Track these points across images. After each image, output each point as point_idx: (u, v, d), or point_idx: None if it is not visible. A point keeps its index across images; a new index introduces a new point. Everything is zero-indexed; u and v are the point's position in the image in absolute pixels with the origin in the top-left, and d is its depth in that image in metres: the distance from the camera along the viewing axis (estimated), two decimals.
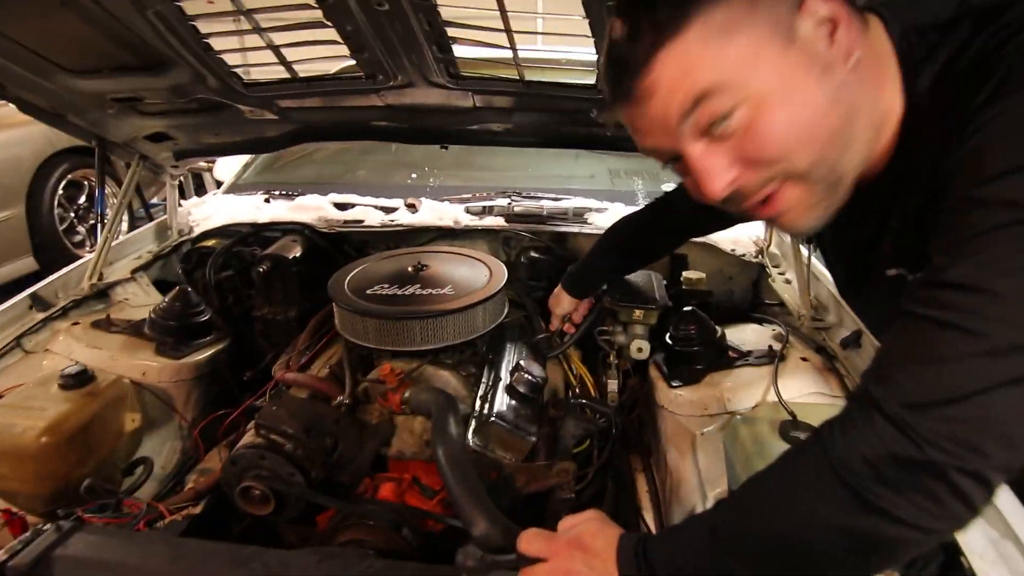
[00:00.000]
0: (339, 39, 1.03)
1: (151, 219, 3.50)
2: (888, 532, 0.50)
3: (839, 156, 0.58)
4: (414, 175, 1.99)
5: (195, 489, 1.11)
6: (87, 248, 3.79)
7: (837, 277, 0.87)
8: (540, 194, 1.78)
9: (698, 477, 1.09)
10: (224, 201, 1.95)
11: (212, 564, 0.74)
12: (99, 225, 1.56)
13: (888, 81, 0.59)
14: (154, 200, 4.24)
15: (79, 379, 1.10)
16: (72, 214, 3.72)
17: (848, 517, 0.50)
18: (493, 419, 1.14)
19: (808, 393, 1.10)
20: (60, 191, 3.56)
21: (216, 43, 1.10)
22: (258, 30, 1.02)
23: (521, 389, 1.23)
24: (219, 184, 2.18)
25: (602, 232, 1.58)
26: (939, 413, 0.47)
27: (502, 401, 1.20)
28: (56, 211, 3.51)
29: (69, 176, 3.63)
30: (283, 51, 1.14)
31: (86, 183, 3.82)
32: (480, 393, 1.24)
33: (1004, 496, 0.79)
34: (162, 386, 1.29)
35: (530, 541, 0.68)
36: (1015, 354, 0.46)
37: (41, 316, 1.35)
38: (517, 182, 1.88)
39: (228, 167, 2.29)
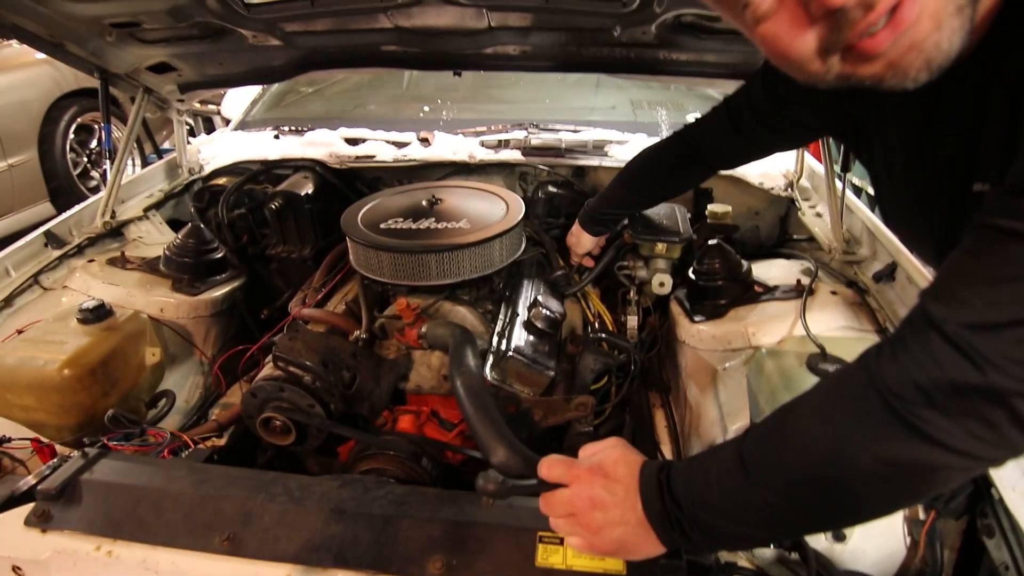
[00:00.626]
0: None
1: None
2: (936, 460, 0.47)
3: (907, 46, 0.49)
4: (426, 108, 1.91)
5: (218, 421, 1.13)
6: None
7: (900, 201, 0.76)
8: (558, 126, 1.70)
9: (719, 411, 1.08)
10: (233, 138, 1.90)
11: (234, 488, 0.75)
12: (107, 161, 1.53)
13: None
14: (166, 145, 4.20)
15: (97, 313, 1.10)
16: (85, 159, 3.70)
17: (893, 445, 0.48)
18: (511, 353, 1.12)
19: (838, 327, 1.07)
20: (71, 135, 3.52)
21: None
22: None
23: (539, 324, 1.21)
24: (228, 123, 2.13)
25: (622, 165, 1.52)
26: (1010, 335, 0.43)
27: (520, 336, 1.19)
28: (69, 156, 3.48)
29: (79, 120, 3.58)
30: None
31: (96, 127, 3.77)
32: (497, 329, 1.22)
33: None
34: (180, 322, 1.29)
35: (551, 467, 0.66)
36: None
37: (57, 253, 1.34)
38: (534, 114, 1.80)
39: (236, 104, 2.23)
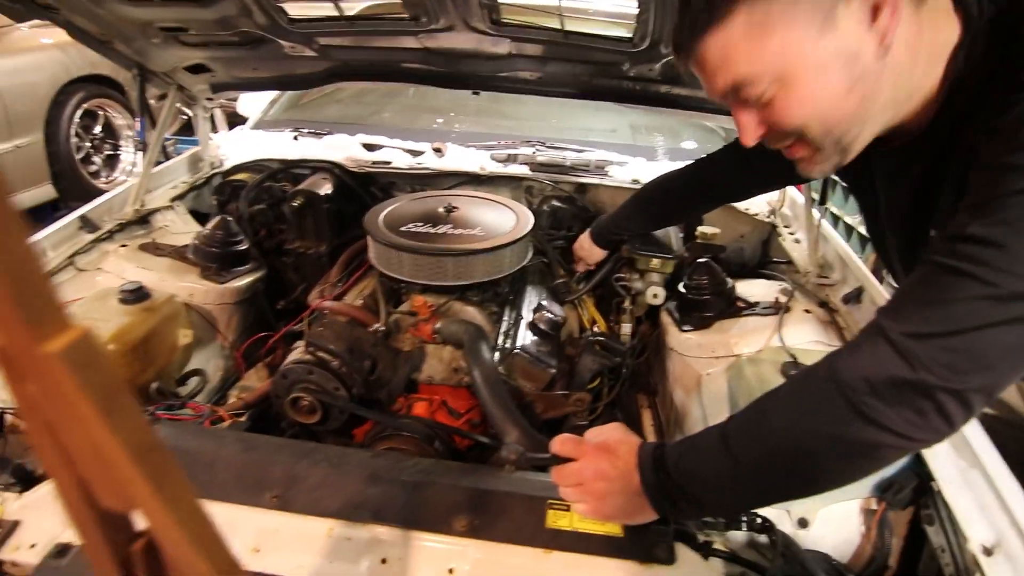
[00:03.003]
0: None
1: (165, 152, 3.53)
2: (877, 439, 0.59)
3: (849, 131, 0.66)
4: (439, 120, 2.03)
5: (244, 400, 1.22)
6: (103, 178, 3.82)
7: (892, 246, 0.89)
8: (563, 145, 1.83)
9: (702, 411, 1.20)
10: (253, 136, 1.99)
11: (280, 454, 0.85)
12: (140, 153, 1.61)
13: (934, 55, 0.64)
14: (166, 135, 4.25)
15: (137, 295, 1.19)
16: (88, 144, 3.74)
17: (845, 425, 0.60)
18: (517, 351, 1.24)
19: (809, 341, 1.20)
20: (76, 120, 3.56)
21: None
22: None
23: (542, 326, 1.32)
24: (230, 124, 2.20)
25: (623, 184, 1.65)
26: (936, 343, 0.56)
27: (524, 336, 1.30)
28: (73, 140, 3.52)
29: (85, 106, 3.62)
30: None
31: (101, 113, 3.81)
32: (503, 329, 1.33)
33: (974, 430, 0.90)
34: (207, 307, 1.38)
35: (563, 443, 0.78)
36: (1013, 301, 0.54)
37: (90, 237, 1.42)
38: (539, 132, 1.93)
39: (251, 103, 2.32)
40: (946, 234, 0.59)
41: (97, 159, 3.82)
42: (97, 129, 3.80)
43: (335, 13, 1.25)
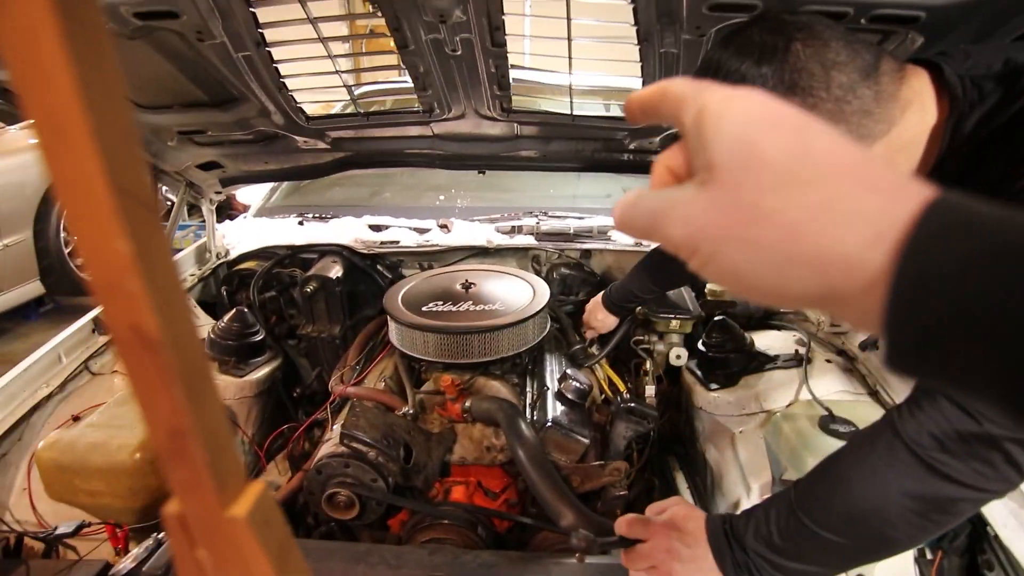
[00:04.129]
0: (408, 79, 1.13)
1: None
2: (951, 494, 0.61)
3: None
4: (441, 197, 2.08)
5: (276, 499, 1.17)
6: None
7: None
8: (565, 213, 1.89)
9: (740, 471, 1.20)
10: (257, 224, 2.02)
11: (333, 559, 0.82)
12: None
13: (913, 144, 0.71)
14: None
15: None
16: None
17: (918, 483, 0.61)
18: (550, 424, 1.23)
19: (836, 391, 1.22)
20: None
21: (289, 82, 1.19)
22: (337, 72, 1.12)
23: (570, 396, 1.32)
24: (224, 213, 2.24)
25: (627, 248, 1.70)
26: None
27: (554, 407, 1.30)
28: (62, 235, 3.51)
29: None
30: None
31: None
32: (528, 401, 1.33)
33: None
34: (227, 403, 1.35)
35: (630, 525, 0.77)
36: None
37: (104, 339, 1.40)
38: (540, 201, 1.99)
39: (251, 191, 2.36)
40: None
41: None
42: None
43: (353, 111, 1.30)
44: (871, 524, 0.65)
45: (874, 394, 1.21)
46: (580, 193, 2.15)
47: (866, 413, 1.09)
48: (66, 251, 3.56)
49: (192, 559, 0.30)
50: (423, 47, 1.03)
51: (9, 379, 1.21)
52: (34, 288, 3.37)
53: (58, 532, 0.99)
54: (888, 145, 0.72)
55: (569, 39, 1.01)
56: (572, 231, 1.82)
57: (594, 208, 1.98)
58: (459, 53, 1.05)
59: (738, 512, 0.77)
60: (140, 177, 0.24)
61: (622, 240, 1.78)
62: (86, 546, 1.04)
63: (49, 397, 1.24)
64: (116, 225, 0.23)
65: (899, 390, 1.16)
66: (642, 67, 1.06)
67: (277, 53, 1.06)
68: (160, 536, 0.88)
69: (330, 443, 1.15)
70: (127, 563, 0.85)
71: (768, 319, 1.75)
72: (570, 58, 1.07)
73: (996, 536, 0.89)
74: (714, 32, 0.93)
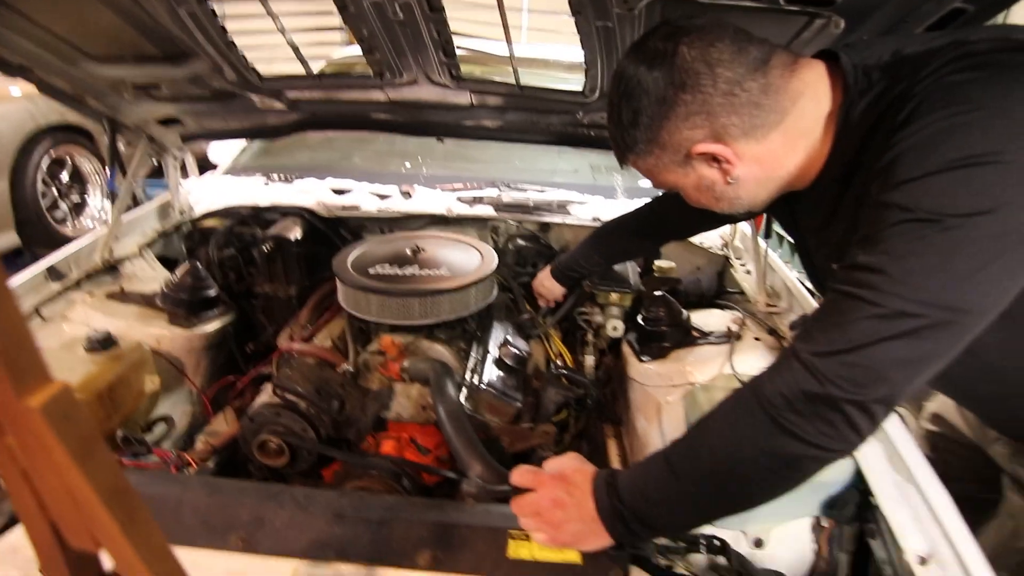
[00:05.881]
0: (353, 41, 1.14)
1: (134, 196, 3.54)
2: (797, 451, 0.65)
3: (735, 208, 0.87)
4: (408, 164, 2.10)
5: (211, 445, 1.22)
6: (69, 225, 3.79)
7: (806, 268, 1.05)
8: (526, 186, 1.91)
9: (662, 438, 1.25)
10: (223, 182, 2.03)
11: (246, 496, 0.87)
12: (109, 202, 1.63)
13: (809, 130, 0.78)
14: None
15: (104, 343, 1.20)
16: (55, 190, 3.72)
17: (768, 439, 0.66)
18: (483, 386, 1.28)
19: (759, 368, 1.25)
20: (43, 168, 3.55)
21: (238, 39, 1.20)
22: (281, 31, 1.13)
23: (508, 361, 1.37)
24: (201, 168, 2.24)
25: (584, 222, 1.73)
26: (838, 359, 0.63)
27: (491, 371, 1.34)
28: (39, 187, 3.50)
29: (53, 153, 3.62)
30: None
31: (68, 160, 3.81)
32: (470, 365, 1.37)
33: (907, 446, 0.96)
34: (175, 354, 1.39)
35: (521, 475, 0.82)
36: (897, 318, 0.62)
37: (57, 287, 1.43)
38: (505, 173, 2.01)
39: (222, 149, 2.36)
40: (842, 265, 0.67)
41: (64, 206, 3.79)
42: (64, 176, 3.79)
43: (303, 72, 1.31)
44: (727, 477, 0.70)
45: None
46: (547, 167, 2.17)
47: None
48: (43, 204, 3.55)
49: (4, 445, 0.34)
50: (364, 10, 1.05)
51: None
52: (10, 239, 3.37)
53: None
54: (785, 133, 0.76)
55: (502, 8, 1.03)
56: (532, 204, 1.84)
57: (558, 182, 2.00)
58: (402, 18, 1.06)
59: None
60: None
61: (580, 215, 1.81)
62: None
63: None
64: None
65: None
66: (581, 40, 1.08)
67: (221, 9, 1.07)
68: None
69: (265, 393, 1.19)
70: None
71: (717, 297, 1.79)
72: (506, 27, 1.08)
73: (878, 506, 0.94)
74: (644, 8, 0.95)
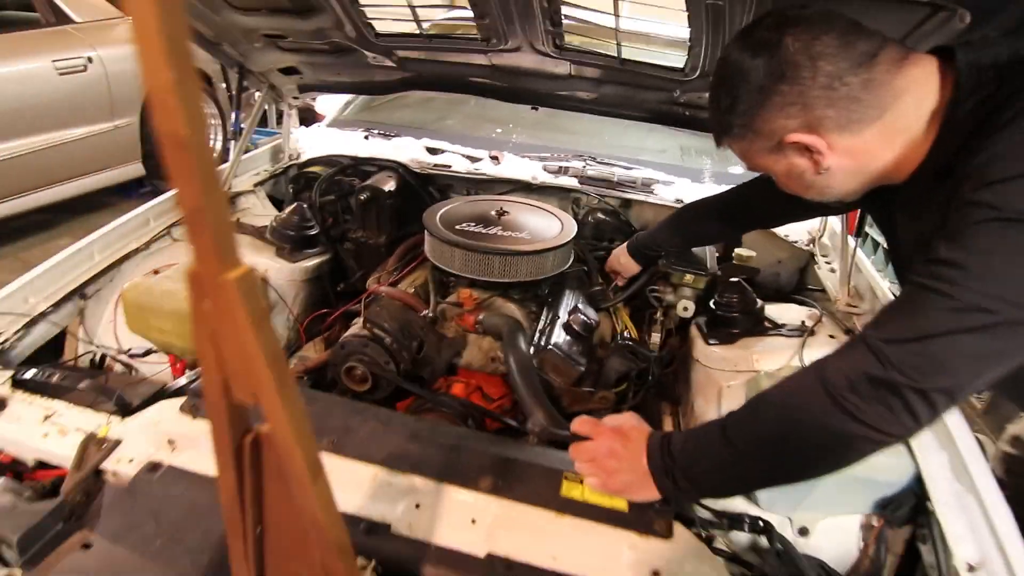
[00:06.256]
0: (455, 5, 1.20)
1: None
2: (853, 431, 0.68)
3: (824, 198, 0.90)
4: (499, 130, 2.16)
5: (304, 366, 1.37)
6: None
7: (894, 262, 1.06)
8: (612, 161, 1.93)
9: None
10: (328, 133, 2.18)
11: (337, 408, 0.99)
12: (232, 141, 1.81)
13: (908, 127, 0.78)
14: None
15: None
16: None
17: (826, 417, 0.69)
18: (550, 347, 1.35)
19: None
20: None
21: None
22: None
23: (576, 327, 1.42)
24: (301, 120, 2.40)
25: (666, 203, 1.73)
26: (905, 347, 0.65)
27: (559, 335, 1.41)
28: None
29: None
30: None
31: None
32: (539, 327, 1.44)
33: (973, 457, 0.95)
34: (279, 283, 1.55)
35: (581, 423, 0.89)
36: (971, 312, 0.63)
37: None
38: (592, 147, 2.03)
39: (328, 102, 2.53)
40: (924, 259, 0.68)
41: None
42: None
43: (417, 31, 1.40)
44: (780, 449, 0.73)
45: None
46: (635, 144, 2.17)
47: None
48: None
49: (201, 308, 0.44)
50: None
51: (107, 231, 1.44)
52: (136, 169, 3.76)
53: (131, 352, 1.22)
54: (884, 128, 0.77)
55: None
56: (616, 179, 1.87)
57: (645, 160, 2.00)
58: None
59: None
60: (184, 38, 0.36)
61: (663, 195, 1.82)
62: (152, 371, 1.27)
63: (136, 251, 1.47)
64: (165, 60, 0.35)
65: None
66: (689, 17, 1.09)
67: None
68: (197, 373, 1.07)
69: (356, 326, 1.31)
70: (180, 380, 1.05)
71: (795, 293, 1.76)
72: (615, 1, 1.11)
73: (934, 512, 0.94)
74: None
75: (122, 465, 0.94)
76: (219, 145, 4.36)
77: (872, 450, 0.71)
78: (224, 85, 4.31)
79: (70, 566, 0.81)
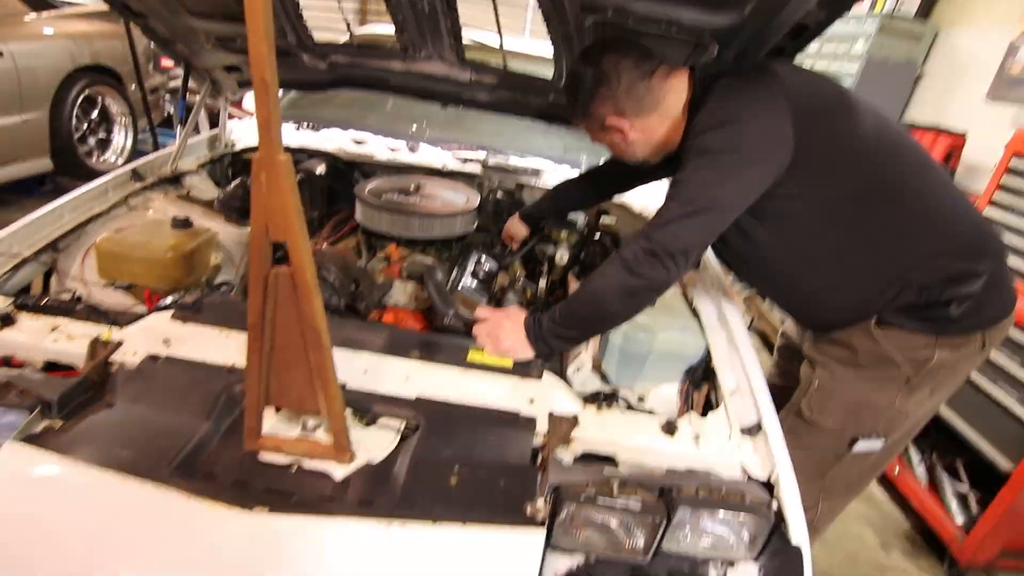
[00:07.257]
0: (391, 22, 1.59)
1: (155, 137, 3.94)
2: (638, 283, 1.14)
3: (637, 159, 1.34)
4: (415, 126, 2.55)
5: None
6: (94, 158, 4.15)
7: None
8: (510, 152, 2.38)
9: None
10: None
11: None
12: (178, 127, 2.06)
13: (675, 112, 1.26)
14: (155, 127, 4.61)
15: (184, 223, 1.63)
16: (85, 125, 4.07)
17: (620, 276, 1.15)
18: (460, 287, 1.74)
19: None
20: (78, 104, 3.91)
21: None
22: (340, 9, 1.57)
23: (480, 276, 1.83)
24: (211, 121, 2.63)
25: (552, 186, 2.20)
26: (660, 230, 1.13)
27: (467, 280, 1.81)
28: (74, 121, 3.86)
29: (87, 92, 3.98)
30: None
31: (99, 100, 4.17)
32: (452, 277, 1.84)
33: (739, 333, 1.45)
34: (228, 244, 1.82)
35: (481, 310, 1.30)
36: (685, 205, 1.11)
37: (139, 185, 1.86)
38: (493, 141, 2.47)
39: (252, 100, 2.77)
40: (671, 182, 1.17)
41: (91, 140, 4.15)
42: (94, 114, 4.15)
43: (349, 42, 1.76)
44: (601, 304, 1.18)
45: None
46: (526, 140, 2.64)
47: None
48: (76, 137, 3.91)
49: (259, 178, 0.80)
50: (403, 2, 1.50)
51: (73, 196, 1.66)
52: (44, 164, 3.73)
53: (116, 285, 1.46)
54: (660, 115, 1.26)
55: (496, 11, 1.50)
56: (512, 167, 2.31)
57: (535, 152, 2.47)
58: (427, 11, 1.52)
59: None
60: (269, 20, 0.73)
61: (549, 181, 2.28)
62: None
63: (99, 215, 1.70)
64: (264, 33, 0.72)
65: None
66: (551, 40, 1.55)
67: None
68: (178, 296, 1.36)
69: None
70: (167, 300, 1.34)
71: None
72: (499, 26, 1.55)
73: (714, 368, 1.43)
74: (592, 25, 1.42)
75: (127, 357, 1.21)
76: (129, 143, 4.37)
77: (650, 295, 1.17)
78: (134, 87, 4.35)
79: (100, 418, 1.09)
